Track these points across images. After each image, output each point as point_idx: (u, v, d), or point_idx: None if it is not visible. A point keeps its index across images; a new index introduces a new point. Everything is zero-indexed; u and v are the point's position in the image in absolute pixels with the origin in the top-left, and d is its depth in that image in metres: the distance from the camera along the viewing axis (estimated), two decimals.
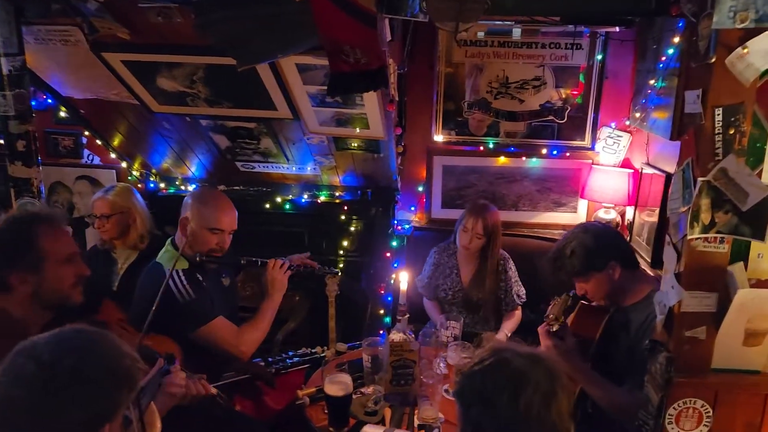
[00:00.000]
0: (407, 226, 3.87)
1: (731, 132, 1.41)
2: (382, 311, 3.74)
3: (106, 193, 3.14)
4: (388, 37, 2.31)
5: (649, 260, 3.16)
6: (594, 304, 2.42)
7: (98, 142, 3.64)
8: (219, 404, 2.06)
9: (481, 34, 3.50)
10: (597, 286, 2.30)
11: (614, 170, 3.57)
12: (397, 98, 2.82)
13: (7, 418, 1.13)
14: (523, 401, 1.25)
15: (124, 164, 3.83)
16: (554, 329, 2.29)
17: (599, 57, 3.49)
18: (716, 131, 1.42)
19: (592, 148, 3.68)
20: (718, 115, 1.41)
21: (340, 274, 2.84)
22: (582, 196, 3.73)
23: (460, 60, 3.57)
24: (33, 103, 3.32)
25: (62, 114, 3.71)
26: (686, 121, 1.51)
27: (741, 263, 1.52)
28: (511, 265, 3.24)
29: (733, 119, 1.41)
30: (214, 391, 1.98)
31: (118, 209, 3.10)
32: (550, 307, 2.39)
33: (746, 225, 1.45)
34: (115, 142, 3.62)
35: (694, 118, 1.47)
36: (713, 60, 1.40)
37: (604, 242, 2.29)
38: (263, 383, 2.65)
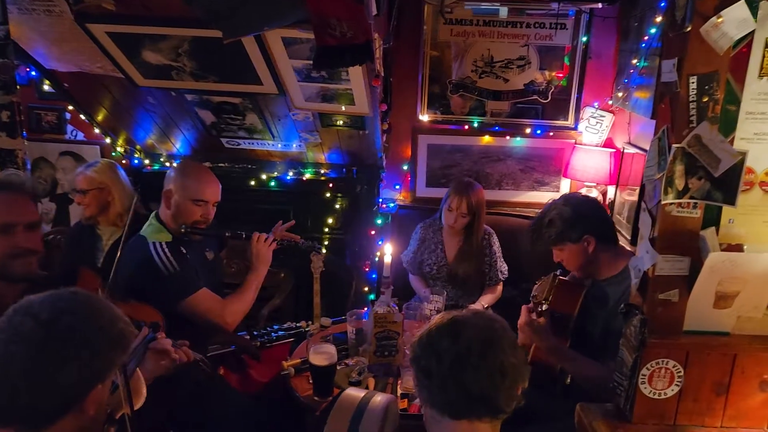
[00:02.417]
0: (392, 205, 3.91)
1: (705, 100, 1.45)
2: (366, 288, 3.78)
3: (86, 168, 3.15)
4: (374, 11, 2.32)
5: (628, 238, 3.22)
6: (569, 279, 2.46)
7: (82, 117, 3.62)
8: (203, 370, 2.09)
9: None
10: (571, 256, 2.34)
11: (596, 150, 3.63)
12: (382, 74, 2.84)
13: (5, 374, 1.15)
14: (463, 340, 1.31)
15: (108, 140, 3.81)
16: (543, 308, 2.30)
17: (584, 39, 3.53)
18: (691, 99, 1.45)
19: (575, 128, 3.73)
20: (693, 83, 1.44)
21: (323, 251, 2.87)
22: (565, 176, 3.79)
23: (445, 39, 3.59)
24: (16, 78, 3.31)
25: (46, 88, 3.69)
26: (662, 90, 1.55)
27: (713, 228, 1.56)
28: (495, 240, 3.29)
29: (707, 87, 1.45)
30: (197, 356, 2.00)
31: (96, 185, 3.10)
32: (535, 286, 2.43)
33: (718, 190, 1.49)
34: (99, 118, 3.60)
35: (670, 86, 1.50)
36: (689, 29, 1.43)
37: (581, 215, 2.31)
38: (248, 356, 2.68)
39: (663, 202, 1.51)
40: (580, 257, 2.32)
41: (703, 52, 1.43)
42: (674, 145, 1.48)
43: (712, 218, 1.57)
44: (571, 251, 2.33)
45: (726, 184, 1.48)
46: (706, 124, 1.46)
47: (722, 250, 1.56)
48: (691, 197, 1.51)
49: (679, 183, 1.50)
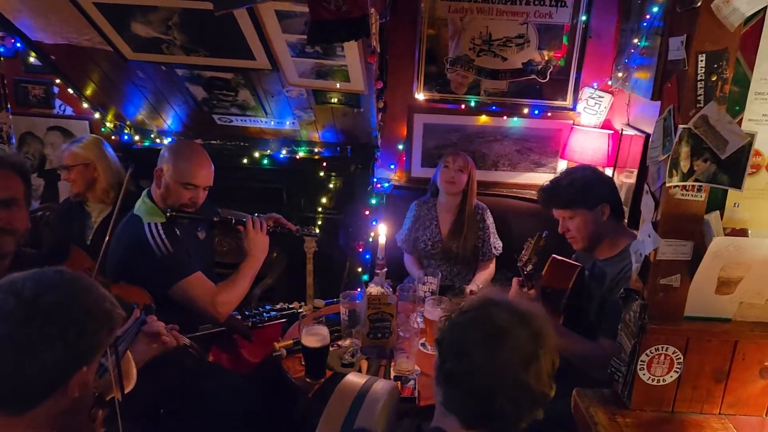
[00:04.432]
0: (386, 184, 3.86)
1: (713, 79, 1.40)
2: (360, 269, 3.74)
3: (71, 144, 3.11)
4: None
5: (626, 222, 3.19)
6: (564, 258, 2.44)
7: (70, 91, 3.52)
8: (191, 355, 2.05)
9: None
10: (582, 224, 2.31)
11: (595, 131, 3.58)
12: (378, 50, 2.76)
13: None
14: (499, 359, 1.21)
15: (97, 115, 3.72)
16: (528, 269, 2.30)
17: (584, 18, 3.46)
18: (699, 78, 1.41)
19: (574, 109, 3.67)
20: (702, 61, 1.39)
21: (317, 231, 2.82)
22: (562, 157, 3.74)
23: (442, 15, 3.51)
24: (1, 49, 3.22)
25: (32, 60, 3.59)
26: (669, 68, 1.50)
27: (717, 212, 1.53)
28: (489, 215, 3.32)
29: (716, 66, 1.40)
30: (187, 341, 1.95)
31: (81, 161, 3.05)
32: (524, 249, 2.40)
33: (724, 173, 1.45)
34: (88, 92, 3.50)
35: (677, 65, 1.45)
36: (699, 4, 1.38)
37: (603, 183, 2.32)
38: (240, 336, 2.65)
39: (667, 185, 1.47)
40: (589, 226, 2.30)
41: (712, 28, 1.38)
42: (680, 126, 1.44)
43: (717, 202, 1.54)
44: (582, 218, 2.31)
45: (732, 166, 1.44)
46: (713, 104, 1.41)
47: (726, 235, 1.53)
48: (696, 180, 1.47)
49: (684, 165, 1.45)
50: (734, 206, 1.54)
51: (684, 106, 1.44)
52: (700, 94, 1.42)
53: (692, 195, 1.49)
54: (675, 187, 1.48)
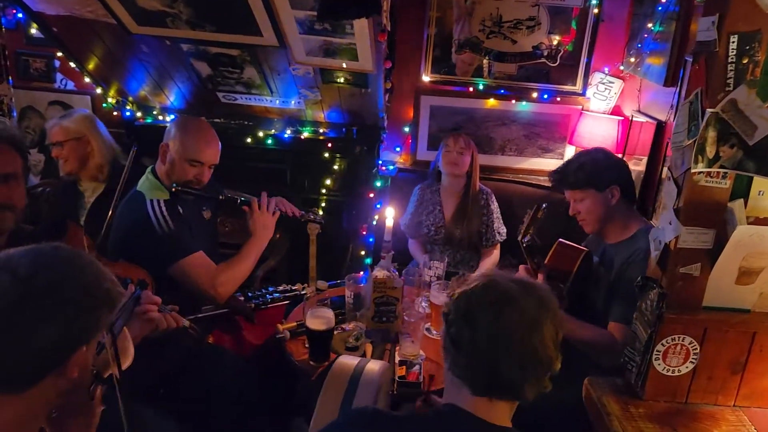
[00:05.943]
0: (392, 167, 3.81)
1: (745, 61, 1.35)
2: (363, 252, 3.71)
3: (61, 119, 3.03)
4: None
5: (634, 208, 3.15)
6: (572, 243, 2.41)
7: (72, 65, 3.45)
8: (191, 336, 2.02)
9: None
10: (592, 206, 2.30)
11: (604, 117, 3.53)
12: (389, 28, 2.70)
13: None
14: (505, 320, 1.22)
15: (99, 90, 3.65)
16: (526, 241, 2.27)
17: (595, 1, 3.40)
18: (729, 60, 1.36)
19: (583, 94, 3.62)
20: (733, 42, 1.34)
21: (323, 221, 2.77)
22: (570, 142, 3.69)
23: None
24: (2, 20, 3.14)
25: (33, 32, 3.52)
26: (698, 50, 1.45)
27: (741, 200, 1.49)
28: (494, 200, 3.28)
29: (748, 48, 1.35)
30: (186, 323, 1.92)
31: (73, 135, 2.98)
32: (523, 223, 2.38)
33: (751, 160, 1.40)
34: (90, 66, 3.43)
35: (707, 46, 1.40)
36: None
37: (614, 164, 2.31)
38: (242, 318, 2.62)
39: (692, 171, 1.43)
40: (600, 208, 2.28)
41: (746, 8, 1.34)
42: (708, 110, 1.39)
43: (741, 189, 1.50)
44: (593, 200, 2.29)
45: (760, 153, 1.40)
46: (744, 88, 1.36)
47: (749, 224, 1.49)
48: (722, 166, 1.42)
49: (710, 151, 1.41)
50: (759, 194, 1.51)
51: (712, 90, 1.39)
52: (730, 77, 1.37)
53: (716, 182, 1.45)
54: (699, 173, 1.44)
